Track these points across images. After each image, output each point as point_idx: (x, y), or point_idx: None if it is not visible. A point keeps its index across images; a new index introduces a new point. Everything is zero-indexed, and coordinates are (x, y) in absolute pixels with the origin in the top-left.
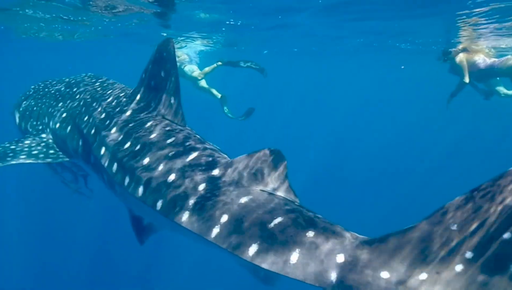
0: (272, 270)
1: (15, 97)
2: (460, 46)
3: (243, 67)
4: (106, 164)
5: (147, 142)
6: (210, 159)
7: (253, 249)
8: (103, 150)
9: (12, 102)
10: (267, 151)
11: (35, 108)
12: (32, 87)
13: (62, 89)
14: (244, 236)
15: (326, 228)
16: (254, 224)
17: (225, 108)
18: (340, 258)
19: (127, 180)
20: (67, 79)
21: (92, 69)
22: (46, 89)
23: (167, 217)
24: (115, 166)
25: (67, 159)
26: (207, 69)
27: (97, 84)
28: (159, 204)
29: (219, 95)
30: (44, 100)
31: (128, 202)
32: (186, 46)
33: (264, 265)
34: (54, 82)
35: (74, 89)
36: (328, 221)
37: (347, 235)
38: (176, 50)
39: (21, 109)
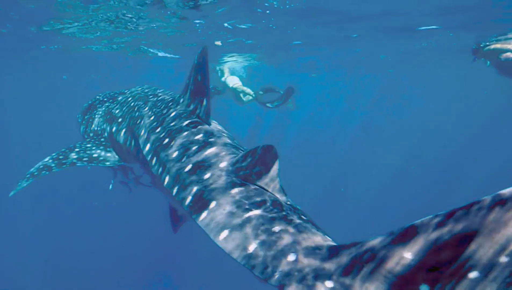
0: (232, 256)
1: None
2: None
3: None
4: (149, 160)
5: (179, 141)
6: (224, 154)
7: (224, 234)
8: (148, 147)
9: (77, 110)
10: (261, 148)
11: (96, 116)
12: (96, 97)
13: (120, 98)
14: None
15: (299, 227)
16: (232, 213)
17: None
18: (291, 257)
19: (162, 173)
20: (125, 90)
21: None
22: (106, 99)
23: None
24: (155, 161)
25: (122, 163)
26: (247, 90)
27: (150, 93)
28: (180, 194)
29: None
30: (104, 108)
31: (167, 195)
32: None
33: (226, 249)
34: (113, 93)
35: (130, 98)
36: (306, 222)
37: (316, 238)
38: (223, 67)
39: (84, 116)
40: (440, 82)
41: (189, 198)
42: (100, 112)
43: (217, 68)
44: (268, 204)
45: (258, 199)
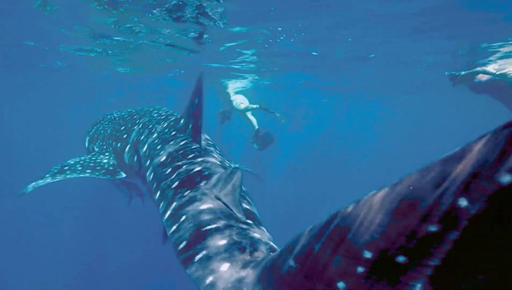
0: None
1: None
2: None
3: (276, 116)
4: (147, 176)
5: (172, 159)
6: (207, 174)
7: (183, 243)
8: (147, 163)
9: (85, 128)
10: (229, 171)
11: (102, 132)
12: (103, 115)
13: (126, 116)
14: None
15: (240, 242)
16: (193, 225)
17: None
18: (225, 267)
19: (155, 188)
20: (131, 110)
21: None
22: (113, 117)
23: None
24: (152, 177)
25: (124, 176)
26: (250, 106)
27: (155, 112)
28: (163, 208)
29: (256, 127)
30: (110, 125)
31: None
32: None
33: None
34: (120, 112)
35: (135, 116)
36: (250, 237)
37: (256, 254)
38: (230, 88)
39: (91, 132)
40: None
41: (168, 213)
42: (106, 129)
43: (227, 90)
44: (225, 222)
45: (217, 217)
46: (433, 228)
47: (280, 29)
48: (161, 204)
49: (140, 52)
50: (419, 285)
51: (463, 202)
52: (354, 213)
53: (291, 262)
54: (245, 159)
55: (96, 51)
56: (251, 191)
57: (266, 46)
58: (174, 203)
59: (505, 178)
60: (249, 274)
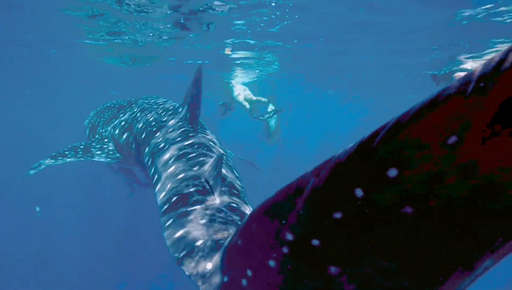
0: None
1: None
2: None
3: (268, 117)
4: (145, 162)
5: (170, 147)
6: (200, 158)
7: (169, 222)
8: (146, 150)
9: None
10: (216, 157)
11: (102, 119)
12: (103, 104)
13: (125, 104)
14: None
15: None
16: (178, 206)
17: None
18: (199, 243)
19: (153, 175)
20: (130, 98)
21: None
22: (112, 105)
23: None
24: (150, 164)
25: (122, 161)
26: (243, 102)
27: (153, 101)
28: (158, 192)
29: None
30: (109, 112)
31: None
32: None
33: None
34: (120, 100)
35: (133, 105)
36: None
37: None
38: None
39: (91, 120)
40: None
41: (161, 195)
42: (106, 117)
43: (231, 84)
44: (210, 204)
45: (203, 199)
46: (337, 215)
47: (273, 4)
48: (157, 187)
49: (129, 42)
50: (333, 268)
51: (359, 193)
52: (279, 198)
53: (238, 241)
54: (241, 147)
55: (90, 42)
56: (246, 179)
57: (261, 26)
58: (168, 186)
59: None
60: (218, 253)
